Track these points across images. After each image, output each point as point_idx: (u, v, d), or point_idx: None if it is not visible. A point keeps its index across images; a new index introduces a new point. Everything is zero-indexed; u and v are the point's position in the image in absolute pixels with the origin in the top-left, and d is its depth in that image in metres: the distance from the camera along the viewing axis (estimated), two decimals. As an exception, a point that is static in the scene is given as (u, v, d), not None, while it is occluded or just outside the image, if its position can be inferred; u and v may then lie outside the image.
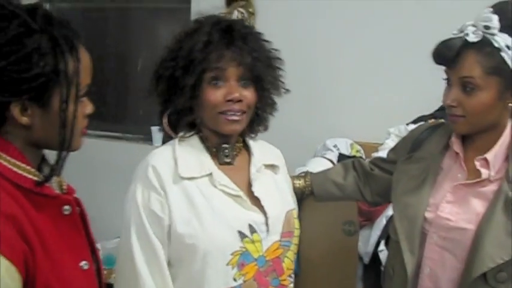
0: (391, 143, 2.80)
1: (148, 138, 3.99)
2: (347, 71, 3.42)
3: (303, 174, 2.03)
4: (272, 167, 1.69)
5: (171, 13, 4.10)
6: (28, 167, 1.07)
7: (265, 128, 1.67)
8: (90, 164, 3.48)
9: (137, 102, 4.20)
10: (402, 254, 1.65)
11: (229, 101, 1.49)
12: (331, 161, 2.79)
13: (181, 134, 1.58)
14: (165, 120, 1.58)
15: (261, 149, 1.70)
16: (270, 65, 1.59)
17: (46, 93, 1.03)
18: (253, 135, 1.68)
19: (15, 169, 1.05)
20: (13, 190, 1.03)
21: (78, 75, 1.05)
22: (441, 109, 2.85)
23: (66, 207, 1.12)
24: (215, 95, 1.50)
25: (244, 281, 1.50)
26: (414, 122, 2.87)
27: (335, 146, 2.98)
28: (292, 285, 1.65)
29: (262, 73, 1.55)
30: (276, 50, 1.62)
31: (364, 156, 2.97)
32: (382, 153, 2.53)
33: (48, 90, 1.03)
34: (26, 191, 1.05)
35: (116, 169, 3.41)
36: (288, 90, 1.65)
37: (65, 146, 1.06)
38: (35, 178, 1.07)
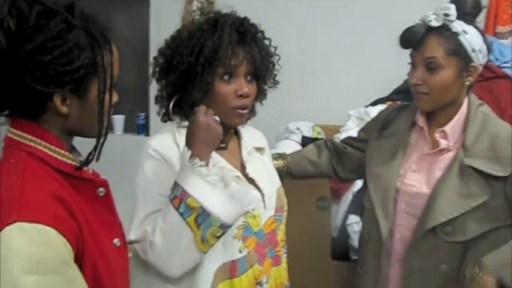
0: (351, 124, 2.97)
1: (109, 127, 3.95)
2: (307, 57, 3.55)
3: (278, 156, 2.16)
4: (259, 149, 1.80)
5: (128, 3, 4.04)
6: (67, 153, 1.13)
7: (254, 114, 1.77)
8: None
9: None
10: (377, 221, 1.81)
11: (239, 96, 1.58)
12: (298, 143, 2.92)
13: (178, 121, 1.65)
14: (171, 106, 1.63)
15: (247, 131, 1.80)
16: (271, 62, 1.69)
17: (84, 84, 1.09)
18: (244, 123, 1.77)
19: (55, 155, 1.11)
20: (55, 174, 1.10)
21: (112, 67, 1.13)
22: (396, 92, 3.05)
23: (101, 189, 1.19)
24: (227, 89, 1.58)
25: (248, 253, 1.61)
26: (372, 104, 3.05)
27: (298, 128, 3.11)
28: (285, 255, 1.78)
29: (266, 70, 1.66)
30: (274, 47, 1.71)
31: (325, 138, 3.08)
32: (345, 134, 2.71)
33: (87, 82, 1.09)
34: (66, 175, 1.12)
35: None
36: (278, 82, 1.76)
37: (102, 132, 1.14)
38: (74, 163, 1.14)
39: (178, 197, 1.45)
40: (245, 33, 1.59)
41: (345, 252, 2.60)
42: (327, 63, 3.52)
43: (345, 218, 2.64)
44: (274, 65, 1.71)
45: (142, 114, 3.99)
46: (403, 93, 2.87)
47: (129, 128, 4.07)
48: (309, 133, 3.09)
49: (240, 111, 1.60)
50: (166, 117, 1.69)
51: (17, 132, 1.11)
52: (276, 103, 3.47)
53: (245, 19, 1.63)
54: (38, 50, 1.02)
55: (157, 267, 1.54)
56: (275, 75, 1.73)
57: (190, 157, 1.46)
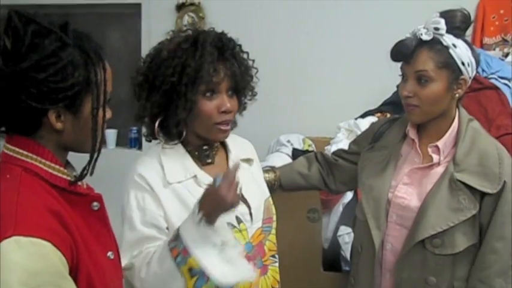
0: (342, 136, 2.99)
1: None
2: (297, 70, 3.59)
3: (269, 168, 2.19)
4: (247, 160, 1.82)
5: (119, 18, 4.07)
6: (61, 168, 1.15)
7: (235, 125, 1.77)
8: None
9: None
10: (370, 232, 1.83)
11: (222, 112, 1.60)
12: (288, 155, 2.93)
13: (163, 140, 1.67)
14: (157, 127, 1.65)
15: (235, 143, 1.81)
16: (250, 75, 1.70)
17: (78, 101, 1.11)
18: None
19: (50, 170, 1.13)
20: (50, 189, 1.12)
21: (106, 83, 1.15)
22: (385, 104, 3.08)
23: (95, 203, 1.22)
24: (210, 106, 1.60)
25: None
26: (362, 116, 3.07)
27: (288, 141, 3.12)
28: (276, 264, 1.79)
29: (246, 83, 1.68)
30: (252, 60, 1.72)
31: (315, 150, 3.08)
32: (335, 146, 2.74)
33: (80, 98, 1.11)
34: (61, 190, 1.14)
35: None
36: (256, 94, 1.76)
37: (96, 147, 1.16)
38: (68, 178, 1.16)
39: (178, 251, 1.48)
40: (224, 49, 1.60)
41: (337, 263, 2.62)
42: (317, 76, 3.56)
43: (336, 229, 2.66)
44: (252, 78, 1.72)
45: (135, 128, 4.00)
46: (393, 105, 2.91)
47: (121, 142, 4.08)
48: (299, 145, 3.11)
49: (223, 127, 1.63)
50: (151, 137, 1.70)
51: (13, 148, 1.13)
52: (267, 116, 3.56)
53: (223, 34, 1.64)
54: (33, 68, 1.04)
55: None
56: (253, 87, 1.74)
57: (200, 219, 1.47)
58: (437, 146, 1.79)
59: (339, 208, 2.73)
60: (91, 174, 1.19)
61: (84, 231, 1.16)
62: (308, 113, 3.53)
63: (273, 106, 3.49)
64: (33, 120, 1.11)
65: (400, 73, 1.80)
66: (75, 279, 1.10)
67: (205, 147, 1.70)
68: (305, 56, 3.56)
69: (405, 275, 1.78)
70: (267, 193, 1.84)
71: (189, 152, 1.69)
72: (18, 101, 1.06)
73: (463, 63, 1.72)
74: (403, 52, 1.74)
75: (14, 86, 1.05)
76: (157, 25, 3.54)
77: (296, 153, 2.94)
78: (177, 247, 1.49)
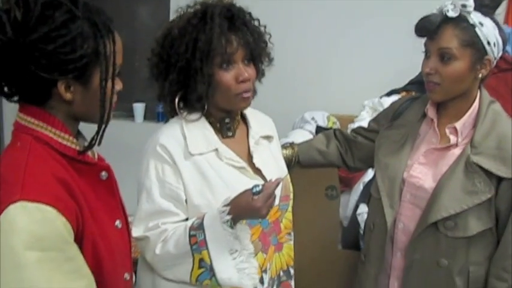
0: (366, 114, 2.98)
1: (130, 115, 4.01)
2: (324, 48, 3.55)
3: (288, 145, 2.19)
4: (267, 137, 1.83)
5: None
6: (71, 138, 1.18)
7: (255, 94, 1.76)
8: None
9: None
10: (383, 210, 1.83)
11: (241, 82, 1.61)
12: (311, 132, 2.93)
13: (184, 114, 1.69)
14: (176, 104, 1.67)
15: (256, 119, 1.82)
16: (264, 41, 1.70)
17: (87, 72, 1.14)
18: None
19: (60, 140, 1.17)
20: (59, 158, 1.16)
21: (115, 56, 1.17)
22: (412, 83, 3.04)
23: (103, 173, 1.25)
24: (228, 77, 1.61)
25: (252, 242, 1.64)
26: (387, 95, 3.05)
27: (313, 118, 3.12)
28: (291, 242, 1.82)
29: (261, 50, 1.68)
30: (264, 26, 1.72)
31: (340, 128, 3.07)
32: (358, 124, 2.72)
33: (90, 70, 1.14)
34: (70, 159, 1.17)
35: (101, 145, 3.47)
36: (272, 59, 1.76)
37: (104, 118, 1.19)
38: (77, 147, 1.19)
39: (197, 240, 1.54)
40: (234, 19, 1.61)
41: (356, 242, 2.62)
42: (343, 54, 3.52)
43: (356, 207, 2.66)
44: (266, 44, 1.72)
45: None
46: (418, 84, 2.86)
47: (149, 116, 4.10)
48: (323, 123, 3.10)
49: (245, 95, 1.64)
50: (173, 113, 1.73)
51: (25, 117, 1.17)
52: (292, 93, 3.56)
53: (232, 5, 1.64)
54: (42, 39, 1.07)
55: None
56: (269, 53, 1.74)
57: (227, 221, 1.53)
58: (455, 128, 1.77)
59: (359, 186, 2.72)
60: (99, 144, 1.22)
61: (91, 199, 1.19)
62: (334, 91, 3.51)
63: (299, 83, 3.48)
64: (44, 91, 1.14)
65: (424, 50, 1.77)
66: (81, 245, 1.14)
67: (227, 120, 1.71)
68: (332, 33, 3.52)
69: (417, 256, 1.78)
70: (285, 171, 1.85)
71: (210, 123, 1.70)
72: (28, 72, 1.09)
73: (488, 43, 1.68)
74: (427, 28, 1.71)
75: (24, 57, 1.08)
76: (185, 1, 3.53)
77: (319, 131, 2.93)
78: (197, 236, 1.54)
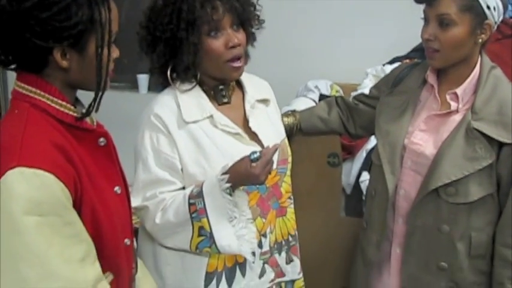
0: (368, 82, 2.96)
1: (134, 86, 4.01)
2: (326, 16, 3.51)
3: (290, 112, 2.19)
4: (264, 101, 1.83)
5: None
6: (68, 105, 1.20)
7: (249, 58, 1.77)
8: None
9: (122, 52, 4.13)
10: (384, 176, 1.83)
11: (231, 47, 1.61)
12: (314, 101, 2.92)
13: (178, 84, 1.68)
14: (168, 75, 1.67)
15: (252, 83, 1.81)
16: (252, 4, 1.69)
17: (83, 40, 1.14)
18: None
19: (57, 107, 1.18)
20: (57, 124, 1.17)
21: (110, 23, 1.17)
22: (415, 50, 3.02)
23: (102, 139, 1.26)
24: (217, 44, 1.61)
25: (250, 207, 1.66)
26: (390, 62, 3.03)
27: (316, 86, 3.10)
28: (292, 206, 1.83)
29: (249, 14, 1.66)
30: None
31: (343, 96, 3.09)
32: (361, 91, 2.71)
33: (85, 37, 1.14)
34: (67, 126, 1.19)
35: (105, 116, 3.46)
36: (263, 21, 1.75)
37: (101, 85, 1.20)
38: (75, 114, 1.20)
39: (196, 208, 1.56)
40: None
41: (359, 209, 2.63)
42: (345, 22, 3.48)
43: (359, 175, 2.67)
44: (255, 7, 1.71)
45: (166, 72, 4.07)
46: (422, 52, 2.79)
47: (153, 87, 4.05)
48: (327, 91, 3.08)
49: (236, 64, 1.64)
50: (166, 85, 1.73)
51: (22, 85, 1.18)
52: (295, 62, 3.54)
53: None
54: (36, 6, 1.07)
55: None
56: (258, 16, 1.73)
57: (226, 188, 1.54)
58: (455, 93, 1.76)
59: (362, 154, 2.72)
60: (96, 111, 1.23)
61: (90, 165, 1.21)
62: (337, 59, 3.47)
63: (302, 51, 3.46)
64: (40, 58, 1.15)
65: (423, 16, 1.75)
66: (79, 211, 1.16)
67: (221, 87, 1.71)
68: (335, 2, 3.48)
69: (418, 223, 1.78)
70: (283, 134, 1.85)
71: (205, 91, 1.70)
72: (23, 39, 1.10)
73: (488, 7, 1.65)
74: None
75: (19, 25, 1.08)
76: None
77: (322, 99, 2.92)
78: (196, 204, 1.56)
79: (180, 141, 1.63)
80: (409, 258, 1.83)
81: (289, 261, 1.82)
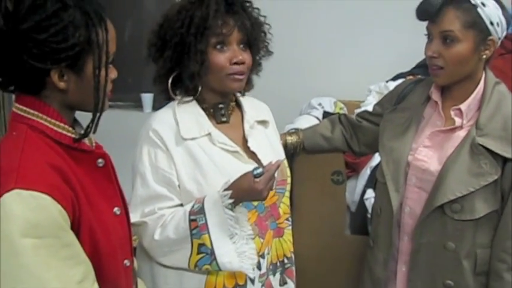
0: (372, 99, 2.96)
1: (138, 105, 4.03)
2: (329, 34, 3.53)
3: (293, 131, 2.19)
4: (263, 122, 1.83)
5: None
6: (66, 126, 1.19)
7: (252, 87, 1.80)
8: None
9: (126, 71, 4.11)
10: (389, 194, 1.81)
11: (234, 63, 1.62)
12: (317, 118, 2.91)
13: (179, 97, 1.69)
14: (169, 83, 1.68)
15: (251, 105, 1.82)
16: (263, 30, 1.71)
17: (80, 61, 1.14)
18: (241, 94, 1.81)
19: (55, 128, 1.17)
20: (55, 146, 1.16)
21: (108, 44, 1.17)
22: (418, 66, 3.02)
23: (100, 160, 1.25)
24: (221, 58, 1.62)
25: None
26: (393, 79, 3.03)
27: (319, 104, 3.10)
28: (290, 227, 1.81)
29: (258, 37, 1.68)
30: (264, 16, 1.73)
31: (347, 113, 3.07)
32: (365, 109, 2.70)
33: (82, 58, 1.14)
34: (65, 147, 1.18)
35: (110, 136, 3.45)
36: (271, 53, 1.78)
37: (99, 107, 1.19)
38: (73, 135, 1.20)
39: (197, 224, 1.55)
40: (233, 3, 1.62)
41: (364, 227, 2.62)
42: (349, 38, 3.49)
43: (363, 192, 2.66)
44: (265, 34, 1.73)
45: (170, 92, 4.09)
46: (425, 68, 2.78)
47: (157, 106, 4.08)
48: (330, 108, 3.08)
49: (237, 76, 1.64)
50: (167, 95, 1.73)
51: (20, 107, 1.18)
52: (299, 79, 3.55)
53: None
54: (33, 28, 1.07)
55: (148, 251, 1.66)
56: (267, 43, 1.75)
57: (228, 204, 1.54)
58: (460, 109, 1.75)
59: (366, 171, 2.71)
60: (94, 132, 1.23)
61: (88, 186, 1.20)
62: (341, 76, 3.48)
63: (305, 69, 3.47)
64: (37, 80, 1.14)
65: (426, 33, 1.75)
66: (78, 232, 1.15)
67: (220, 106, 1.72)
68: (337, 18, 3.50)
69: (424, 240, 1.77)
70: (282, 155, 1.85)
71: (204, 109, 1.71)
72: (21, 61, 1.09)
73: (491, 23, 1.65)
74: (428, 10, 1.68)
75: (16, 46, 1.08)
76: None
77: (327, 117, 2.92)
78: (197, 220, 1.54)
79: (177, 157, 1.63)
80: (415, 276, 1.82)
81: (282, 283, 1.79)
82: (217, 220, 1.54)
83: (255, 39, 1.68)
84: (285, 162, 1.84)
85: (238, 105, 1.80)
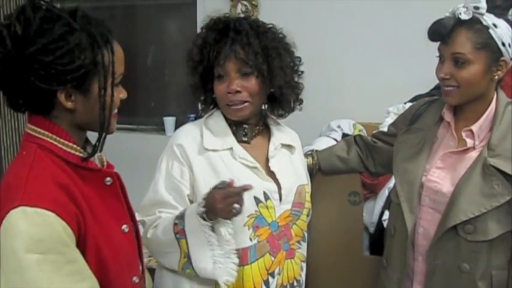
0: (390, 120, 2.91)
1: (161, 129, 4.07)
2: (349, 58, 3.55)
3: (309, 153, 2.20)
4: (289, 147, 1.85)
5: (177, 8, 4.18)
6: (74, 145, 1.23)
7: (290, 111, 1.82)
8: (108, 156, 3.81)
9: (149, 95, 4.28)
10: (403, 215, 1.80)
11: (228, 93, 1.66)
12: (336, 140, 2.90)
13: (207, 114, 1.78)
14: (201, 101, 1.81)
15: (281, 130, 1.86)
16: (269, 54, 1.68)
17: (87, 82, 1.18)
18: (275, 118, 1.85)
19: (63, 147, 1.21)
20: (63, 165, 1.20)
21: (113, 65, 1.21)
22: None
23: (108, 178, 1.29)
24: (219, 89, 1.69)
25: (258, 242, 1.67)
26: (411, 100, 3.00)
27: (339, 126, 3.10)
28: (301, 250, 1.81)
29: (259, 64, 1.66)
30: (283, 36, 1.74)
31: (366, 135, 3.08)
32: (380, 130, 2.70)
33: (89, 79, 1.18)
34: (74, 166, 1.22)
35: (132, 159, 3.53)
36: (302, 72, 1.80)
37: (104, 126, 1.23)
38: (81, 154, 1.23)
39: (178, 229, 1.60)
40: (227, 33, 1.65)
41: (382, 247, 2.59)
42: (368, 61, 3.50)
43: (381, 213, 2.64)
44: (277, 57, 1.69)
45: (192, 115, 4.12)
46: None
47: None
48: (349, 131, 3.07)
49: (234, 106, 1.69)
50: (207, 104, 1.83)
51: (32, 127, 1.23)
52: (318, 102, 3.54)
53: (233, 19, 1.70)
54: (40, 51, 1.12)
55: None
56: (292, 64, 1.76)
57: (202, 212, 1.57)
58: (471, 130, 1.74)
59: (384, 192, 2.69)
60: (100, 151, 1.27)
61: (95, 204, 1.23)
62: (360, 98, 3.48)
63: (325, 91, 3.48)
64: (46, 101, 1.19)
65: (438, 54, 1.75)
66: (84, 249, 1.18)
67: (245, 126, 1.76)
68: (356, 40, 3.52)
69: (438, 261, 1.75)
70: (305, 180, 1.86)
71: (229, 125, 1.76)
72: (28, 82, 1.14)
73: (503, 44, 1.65)
74: (440, 32, 1.69)
75: (24, 69, 1.13)
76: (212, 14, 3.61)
77: (345, 138, 2.93)
78: (178, 225, 1.60)
79: (196, 165, 1.68)
80: None
81: None
82: (193, 226, 1.58)
83: (256, 66, 1.67)
84: (307, 187, 1.85)
85: (267, 127, 1.84)
